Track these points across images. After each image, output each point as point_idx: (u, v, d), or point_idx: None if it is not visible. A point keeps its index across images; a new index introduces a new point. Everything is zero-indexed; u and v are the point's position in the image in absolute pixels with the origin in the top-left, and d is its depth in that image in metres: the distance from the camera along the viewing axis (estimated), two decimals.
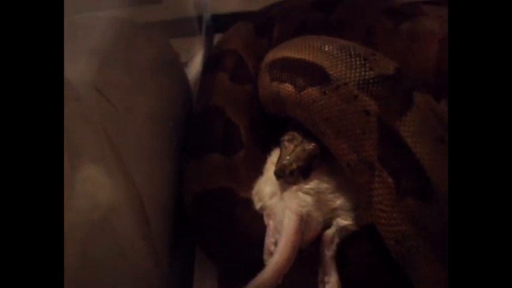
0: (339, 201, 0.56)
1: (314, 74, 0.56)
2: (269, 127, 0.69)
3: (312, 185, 0.55)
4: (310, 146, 0.57)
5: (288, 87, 0.60)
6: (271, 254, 0.52)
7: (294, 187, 0.55)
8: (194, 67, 0.87)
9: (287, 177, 0.54)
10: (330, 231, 0.54)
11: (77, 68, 0.43)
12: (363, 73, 0.52)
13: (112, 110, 0.46)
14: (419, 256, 0.47)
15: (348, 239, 0.54)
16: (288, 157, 0.55)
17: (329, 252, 0.53)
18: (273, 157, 0.61)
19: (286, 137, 0.59)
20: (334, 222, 0.55)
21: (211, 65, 0.75)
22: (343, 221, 0.55)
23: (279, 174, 0.54)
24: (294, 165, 0.54)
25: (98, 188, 0.41)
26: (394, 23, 0.78)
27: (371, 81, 0.52)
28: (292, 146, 0.57)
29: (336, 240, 0.54)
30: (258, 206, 0.58)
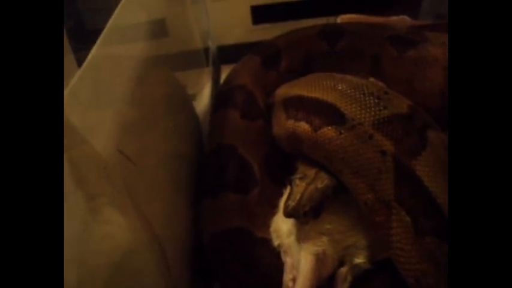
0: (352, 240, 0.56)
1: (329, 114, 0.57)
2: (282, 162, 0.69)
3: (326, 224, 0.56)
4: (322, 184, 0.56)
5: (304, 126, 0.61)
6: None
7: (308, 227, 0.55)
8: (202, 100, 0.88)
9: (300, 217, 0.53)
10: (343, 270, 0.55)
11: (100, 127, 0.44)
12: (377, 112, 0.53)
13: (131, 165, 0.46)
14: None
15: (363, 277, 0.55)
16: (300, 196, 0.54)
17: None
18: None
19: (298, 175, 0.59)
20: (348, 260, 0.55)
21: (221, 102, 0.75)
22: (357, 259, 0.55)
23: (293, 214, 0.53)
24: (308, 207, 0.53)
25: (117, 230, 0.42)
26: (399, 50, 0.79)
27: (385, 120, 0.52)
28: (304, 184, 0.56)
29: (349, 278, 0.54)
30: (276, 243, 0.58)
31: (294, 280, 0.53)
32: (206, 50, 0.98)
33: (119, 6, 0.57)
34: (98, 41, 0.49)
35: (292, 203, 0.54)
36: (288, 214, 0.53)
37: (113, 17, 0.55)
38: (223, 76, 0.86)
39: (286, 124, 0.65)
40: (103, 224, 0.40)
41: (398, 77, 0.79)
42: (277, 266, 0.56)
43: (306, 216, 0.53)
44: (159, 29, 0.78)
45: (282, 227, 0.59)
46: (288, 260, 0.56)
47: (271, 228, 0.60)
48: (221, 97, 0.78)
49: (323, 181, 0.57)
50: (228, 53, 1.00)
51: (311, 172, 0.59)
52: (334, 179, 0.57)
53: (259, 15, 1.05)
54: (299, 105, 0.63)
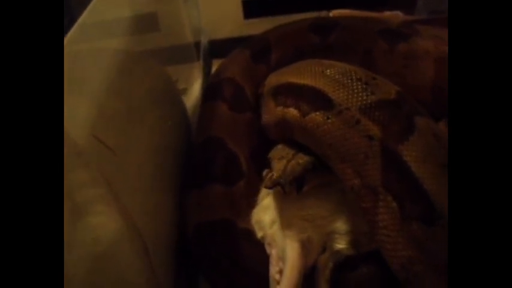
0: (334, 225, 0.55)
1: (317, 99, 0.56)
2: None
3: (308, 210, 0.55)
4: (303, 160, 0.56)
5: (293, 112, 0.60)
6: (277, 282, 0.52)
7: (291, 213, 0.55)
8: (193, 94, 0.88)
9: (286, 185, 0.52)
10: (324, 256, 0.54)
11: (76, 113, 0.43)
12: (364, 98, 0.53)
13: (109, 154, 0.46)
14: (426, 281, 0.47)
15: (348, 265, 0.54)
16: (283, 169, 0.54)
17: (323, 277, 0.53)
18: None
19: (276, 156, 0.58)
20: (329, 246, 0.55)
21: (210, 94, 0.75)
22: (338, 244, 0.54)
23: (278, 183, 0.52)
24: (291, 177, 0.53)
25: (99, 222, 0.41)
26: (390, 44, 0.79)
27: (373, 105, 0.52)
28: (284, 161, 0.56)
29: (330, 264, 0.54)
30: (259, 235, 0.58)
31: (280, 272, 0.52)
32: (197, 44, 0.98)
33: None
34: (70, 32, 0.48)
35: (276, 174, 0.53)
36: (272, 184, 0.52)
37: (86, 10, 0.54)
38: (213, 70, 0.85)
39: (275, 111, 0.65)
40: (85, 216, 0.40)
41: (389, 71, 0.78)
42: (261, 258, 0.55)
43: (291, 185, 0.53)
44: (149, 23, 0.77)
45: (263, 218, 0.58)
46: (273, 252, 0.55)
47: (253, 221, 0.59)
48: (210, 89, 0.77)
49: (303, 158, 0.57)
50: (219, 48, 1.00)
51: (289, 154, 0.58)
52: (313, 157, 0.57)
53: (251, 9, 1.05)
54: (288, 92, 0.63)
